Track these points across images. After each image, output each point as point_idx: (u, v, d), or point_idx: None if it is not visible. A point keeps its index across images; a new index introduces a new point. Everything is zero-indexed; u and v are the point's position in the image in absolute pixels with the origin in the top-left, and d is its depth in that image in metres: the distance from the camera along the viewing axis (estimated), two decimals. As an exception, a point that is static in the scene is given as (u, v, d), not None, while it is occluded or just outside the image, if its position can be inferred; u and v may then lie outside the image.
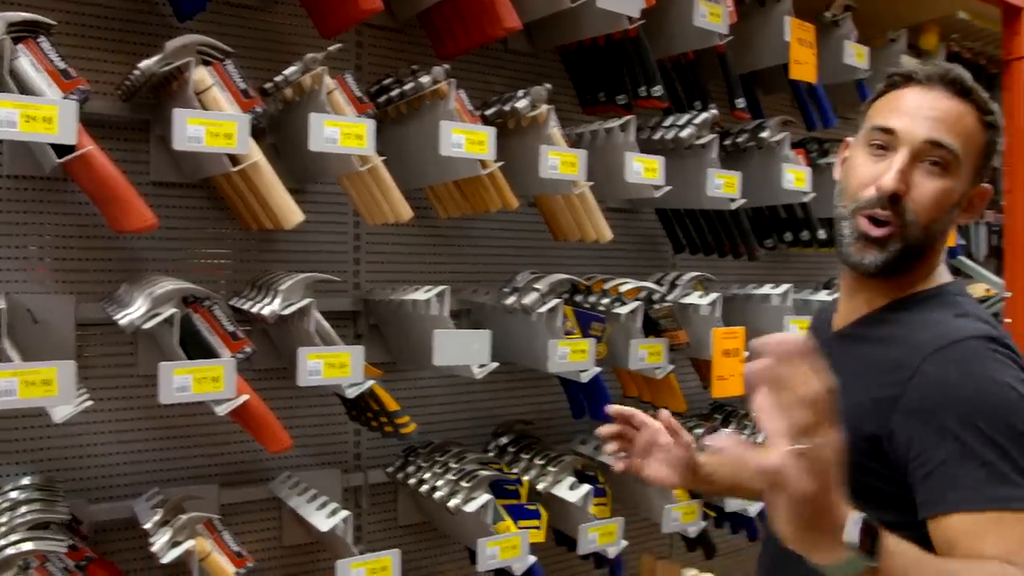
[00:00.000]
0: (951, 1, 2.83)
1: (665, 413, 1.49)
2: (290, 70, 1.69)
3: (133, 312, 1.54)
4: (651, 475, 1.47)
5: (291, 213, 1.66)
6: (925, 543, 1.03)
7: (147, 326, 1.53)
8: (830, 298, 2.41)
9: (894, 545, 0.93)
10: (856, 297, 1.28)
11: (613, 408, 1.50)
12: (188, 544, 1.57)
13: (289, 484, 1.93)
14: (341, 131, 1.61)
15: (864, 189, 1.19)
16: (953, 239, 2.82)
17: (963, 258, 3.09)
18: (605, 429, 1.50)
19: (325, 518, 1.74)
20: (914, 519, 1.08)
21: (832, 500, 0.88)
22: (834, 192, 1.28)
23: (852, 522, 0.89)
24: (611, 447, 1.50)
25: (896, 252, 1.19)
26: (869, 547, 0.90)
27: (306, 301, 1.66)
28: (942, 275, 1.27)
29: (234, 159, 1.59)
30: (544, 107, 1.86)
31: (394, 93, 1.88)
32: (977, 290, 3.08)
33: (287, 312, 1.65)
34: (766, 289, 2.30)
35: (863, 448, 1.14)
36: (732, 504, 2.20)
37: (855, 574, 0.89)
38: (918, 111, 1.18)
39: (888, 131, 1.18)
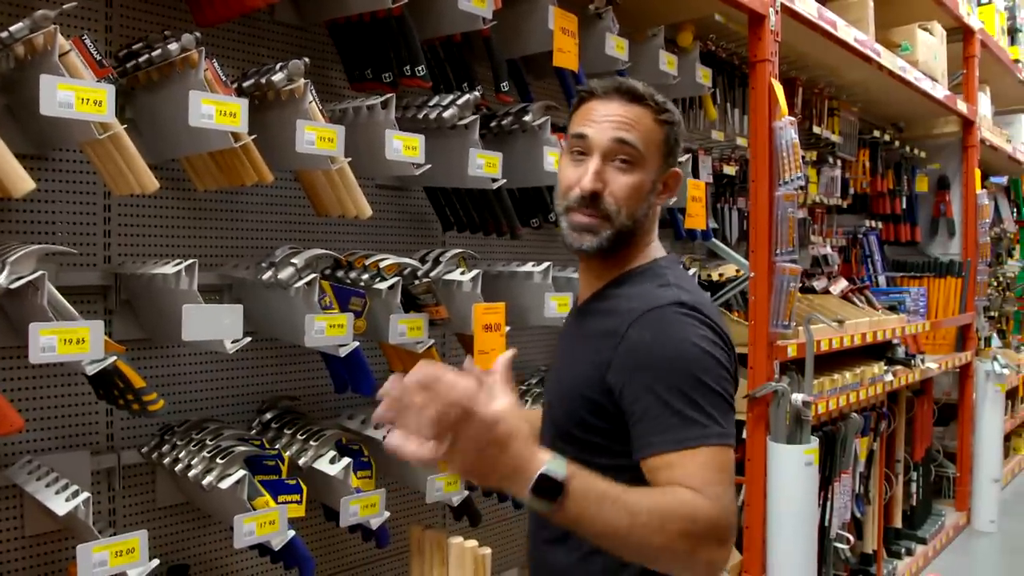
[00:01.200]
0: (707, 4, 3.05)
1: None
2: (16, 27, 1.58)
3: None
4: None
5: (20, 180, 1.55)
6: (643, 481, 1.25)
7: None
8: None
9: (581, 489, 1.11)
10: (588, 277, 1.49)
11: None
12: None
13: (28, 469, 1.82)
14: (76, 95, 1.53)
15: (570, 190, 1.40)
16: (705, 223, 3.06)
17: (716, 241, 3.35)
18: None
19: (64, 501, 1.66)
20: (632, 462, 1.28)
21: (505, 458, 1.08)
22: None
23: (536, 472, 1.09)
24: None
25: (609, 236, 1.40)
26: (551, 494, 1.09)
27: (37, 274, 1.56)
28: (656, 251, 1.48)
29: (-48, 120, 1.48)
30: (301, 81, 1.85)
31: (142, 59, 1.80)
32: (728, 270, 3.35)
33: (15, 286, 1.55)
34: (528, 267, 2.40)
35: (587, 407, 1.35)
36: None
37: (544, 510, 1.11)
38: (603, 119, 1.38)
39: (581, 136, 1.39)
